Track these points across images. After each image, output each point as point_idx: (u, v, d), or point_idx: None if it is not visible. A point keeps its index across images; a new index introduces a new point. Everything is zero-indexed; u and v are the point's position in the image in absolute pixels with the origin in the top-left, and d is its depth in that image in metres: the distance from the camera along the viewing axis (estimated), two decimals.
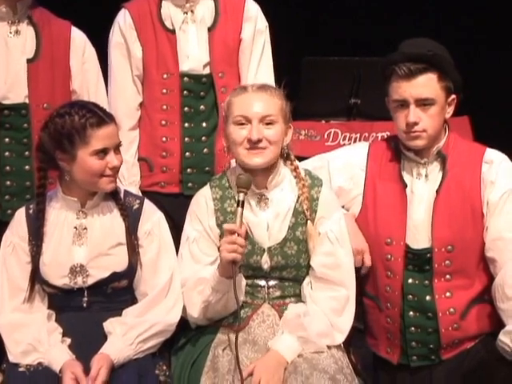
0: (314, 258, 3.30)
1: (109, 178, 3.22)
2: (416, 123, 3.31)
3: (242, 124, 3.25)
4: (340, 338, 3.26)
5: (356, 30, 5.76)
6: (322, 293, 3.27)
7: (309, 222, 3.28)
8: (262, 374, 3.09)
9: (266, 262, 3.28)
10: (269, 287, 3.30)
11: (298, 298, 3.33)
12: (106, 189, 3.24)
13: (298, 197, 3.30)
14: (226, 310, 3.25)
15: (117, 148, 3.24)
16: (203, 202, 3.34)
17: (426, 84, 3.30)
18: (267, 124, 3.24)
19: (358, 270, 3.39)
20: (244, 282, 3.25)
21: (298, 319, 3.21)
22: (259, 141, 3.23)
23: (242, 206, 3.13)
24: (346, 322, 3.28)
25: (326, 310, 3.25)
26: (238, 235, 3.09)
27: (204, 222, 3.32)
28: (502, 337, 3.13)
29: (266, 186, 3.31)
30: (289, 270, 3.30)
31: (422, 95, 3.30)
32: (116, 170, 3.24)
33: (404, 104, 3.32)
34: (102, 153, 3.19)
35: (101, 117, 3.19)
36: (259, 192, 3.30)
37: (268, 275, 3.30)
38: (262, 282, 3.30)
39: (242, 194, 3.14)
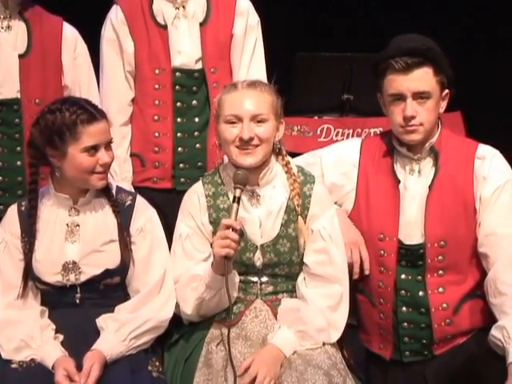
0: (307, 255, 3.30)
1: (99, 175, 3.21)
2: (413, 117, 3.30)
3: (233, 123, 3.24)
4: (335, 336, 3.26)
5: (352, 26, 5.76)
6: (316, 290, 3.27)
7: (299, 217, 3.28)
8: (260, 368, 3.07)
9: (258, 259, 3.28)
10: (261, 283, 3.30)
11: (291, 293, 3.33)
12: (97, 186, 3.23)
13: (290, 193, 3.30)
14: (219, 307, 3.24)
15: (108, 145, 3.23)
16: (195, 199, 3.34)
17: (423, 77, 3.30)
18: (258, 122, 3.23)
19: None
20: (237, 278, 3.25)
21: (297, 313, 3.21)
22: (251, 139, 3.22)
23: (238, 202, 3.13)
24: (340, 319, 3.28)
25: (322, 308, 3.24)
26: (233, 230, 3.08)
27: (196, 219, 3.31)
28: (494, 331, 3.13)
29: (258, 182, 3.31)
30: (281, 267, 3.30)
31: (419, 88, 3.30)
32: (107, 167, 3.23)
33: (400, 98, 3.32)
34: (93, 149, 3.18)
35: (92, 113, 3.18)
36: (251, 189, 3.30)
37: (260, 272, 3.30)
38: (255, 278, 3.30)
39: (238, 191, 3.13)
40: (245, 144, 3.23)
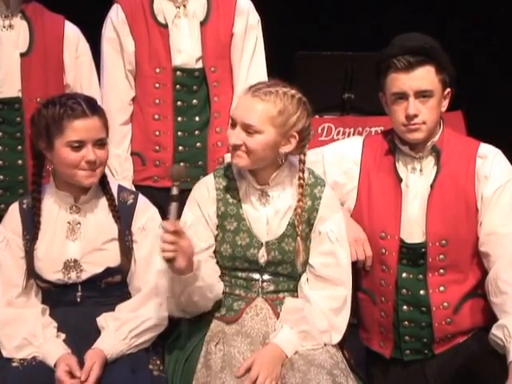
0: (313, 256, 3.28)
1: (86, 172, 3.18)
2: (416, 115, 3.30)
3: (232, 125, 3.21)
4: (337, 338, 3.26)
5: (352, 26, 5.77)
6: (320, 292, 3.26)
7: (298, 238, 3.25)
8: (261, 369, 3.06)
9: (262, 256, 3.27)
10: (263, 281, 3.29)
11: (292, 293, 3.32)
12: (84, 183, 3.21)
13: (299, 196, 3.26)
14: (195, 305, 3.19)
15: (99, 143, 3.19)
16: (205, 190, 3.31)
17: (425, 76, 3.30)
18: (249, 132, 3.16)
19: (353, 266, 3.38)
20: (202, 282, 3.13)
21: (300, 313, 3.20)
22: (237, 146, 3.17)
23: (176, 201, 3.01)
24: (342, 322, 3.28)
25: (325, 310, 3.24)
26: (174, 233, 2.98)
27: (203, 209, 3.28)
28: (495, 330, 3.13)
29: (268, 182, 3.28)
30: (284, 266, 3.29)
31: (422, 87, 3.30)
32: (94, 165, 3.18)
33: (403, 97, 3.32)
34: (78, 145, 3.15)
35: (80, 109, 3.15)
36: (261, 188, 3.28)
37: (263, 269, 3.29)
38: (257, 276, 3.29)
39: (175, 188, 3.02)
40: (232, 149, 3.21)
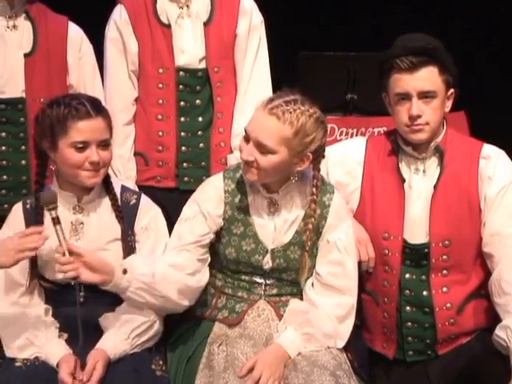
0: (321, 265, 3.27)
1: (89, 173, 3.18)
2: (419, 116, 3.30)
3: (246, 139, 3.16)
4: (340, 344, 3.25)
5: (349, 25, 5.77)
6: (327, 299, 3.24)
7: (306, 254, 3.23)
8: (264, 369, 3.06)
9: (267, 263, 3.25)
10: (266, 285, 3.29)
11: (295, 296, 3.31)
12: (87, 183, 3.21)
13: (309, 203, 3.23)
14: (169, 308, 3.24)
15: (102, 144, 3.19)
16: (211, 192, 3.27)
17: (428, 77, 3.30)
18: (261, 151, 3.12)
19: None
20: (142, 286, 3.15)
21: (305, 315, 3.20)
22: (249, 162, 3.13)
23: (59, 223, 3.04)
24: (346, 330, 3.27)
25: (331, 316, 3.23)
26: (70, 253, 3.01)
27: (202, 206, 3.25)
28: (499, 331, 3.13)
29: (278, 191, 3.25)
30: (289, 273, 3.28)
31: (425, 88, 3.30)
32: (97, 166, 3.19)
33: (406, 97, 3.31)
34: (82, 146, 3.16)
35: (84, 109, 3.15)
36: (270, 196, 3.25)
37: (267, 274, 3.28)
38: (260, 280, 3.28)
39: (53, 212, 3.04)
40: (244, 163, 3.18)
